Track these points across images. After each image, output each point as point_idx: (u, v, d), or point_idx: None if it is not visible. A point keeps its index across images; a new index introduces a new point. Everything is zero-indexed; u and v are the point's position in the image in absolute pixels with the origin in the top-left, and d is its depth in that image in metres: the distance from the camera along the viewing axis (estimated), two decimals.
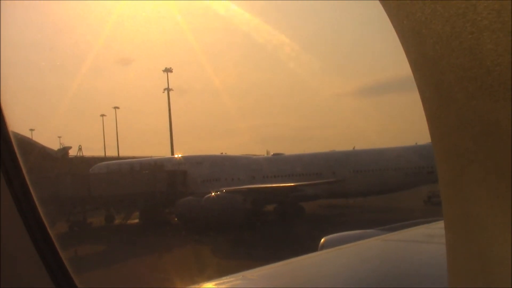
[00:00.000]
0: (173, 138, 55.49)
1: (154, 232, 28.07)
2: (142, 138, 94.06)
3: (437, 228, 4.52)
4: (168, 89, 52.95)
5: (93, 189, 30.65)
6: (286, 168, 33.92)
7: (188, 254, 22.04)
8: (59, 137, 46.45)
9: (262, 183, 31.47)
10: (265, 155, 42.08)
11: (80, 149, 43.03)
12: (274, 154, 38.15)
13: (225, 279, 3.38)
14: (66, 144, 38.19)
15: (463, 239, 1.18)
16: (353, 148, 37.80)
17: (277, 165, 34.69)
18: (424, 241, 4.32)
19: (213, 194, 28.81)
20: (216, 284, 3.34)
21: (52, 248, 1.96)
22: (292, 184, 30.30)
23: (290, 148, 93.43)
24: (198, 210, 28.01)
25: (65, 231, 30.20)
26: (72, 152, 39.61)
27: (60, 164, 33.99)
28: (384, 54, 78.71)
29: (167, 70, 52.03)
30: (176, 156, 39.81)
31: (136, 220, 33.65)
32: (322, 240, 4.95)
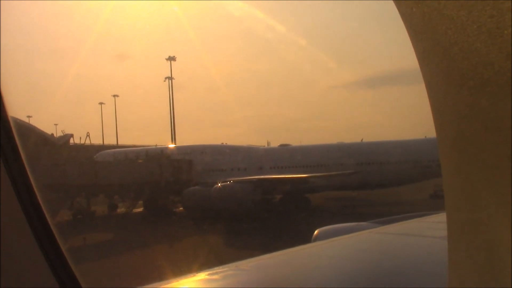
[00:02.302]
0: (171, 127, 54.96)
1: (162, 222, 27.83)
2: (139, 128, 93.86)
3: (430, 222, 4.76)
4: (171, 78, 52.38)
5: (100, 176, 30.28)
6: (293, 159, 33.59)
7: (201, 243, 21.77)
8: (56, 124, 45.78)
9: (269, 174, 31.10)
10: (266, 146, 41.72)
11: (88, 136, 42.35)
12: (281, 145, 37.81)
13: (218, 269, 3.37)
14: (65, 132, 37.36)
15: (466, 235, 1.15)
16: (361, 140, 37.41)
17: (285, 156, 34.35)
18: (417, 234, 4.36)
19: (222, 184, 28.44)
20: (209, 274, 3.30)
21: (56, 248, 1.91)
22: (305, 175, 30.05)
23: (288, 138, 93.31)
24: (206, 200, 27.73)
25: (70, 219, 30.00)
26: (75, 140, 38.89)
27: (62, 151, 33.54)
28: (383, 46, 78.39)
29: (171, 59, 51.39)
30: (182, 145, 39.42)
31: (141, 209, 33.32)
32: (316, 231, 4.96)
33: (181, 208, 31.95)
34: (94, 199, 32.83)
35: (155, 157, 33.70)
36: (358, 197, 33.99)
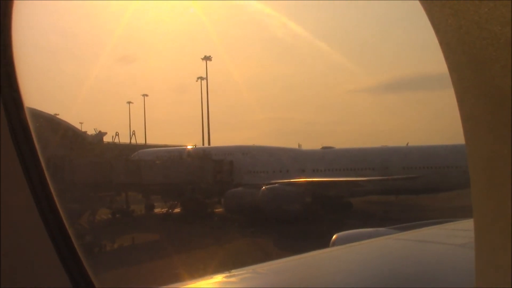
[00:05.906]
0: (202, 128, 54.80)
1: (208, 223, 27.38)
2: (164, 127, 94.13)
3: (449, 229, 4.78)
4: (205, 78, 52.27)
5: (141, 176, 29.96)
6: (337, 161, 32.85)
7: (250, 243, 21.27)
8: (81, 123, 45.66)
9: (312, 177, 30.37)
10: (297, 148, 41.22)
11: (133, 134, 41.99)
12: (324, 148, 37.17)
13: (235, 272, 3.39)
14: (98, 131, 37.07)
15: (494, 241, 1.15)
16: (407, 144, 36.51)
17: (328, 158, 33.66)
18: (435, 241, 4.36)
19: (269, 186, 27.79)
20: (226, 277, 3.33)
21: (70, 247, 1.91)
22: (362, 178, 29.30)
23: (309, 141, 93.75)
24: (251, 202, 27.13)
25: (109, 218, 29.66)
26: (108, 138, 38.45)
27: (97, 149, 33.39)
28: (405, 49, 77.50)
29: (206, 58, 51.29)
30: (224, 145, 39.04)
31: (178, 209, 32.84)
32: (334, 236, 4.97)
33: (220, 209, 31.41)
34: (130, 198, 32.59)
35: (198, 157, 33.30)
36: (401, 202, 33.09)
